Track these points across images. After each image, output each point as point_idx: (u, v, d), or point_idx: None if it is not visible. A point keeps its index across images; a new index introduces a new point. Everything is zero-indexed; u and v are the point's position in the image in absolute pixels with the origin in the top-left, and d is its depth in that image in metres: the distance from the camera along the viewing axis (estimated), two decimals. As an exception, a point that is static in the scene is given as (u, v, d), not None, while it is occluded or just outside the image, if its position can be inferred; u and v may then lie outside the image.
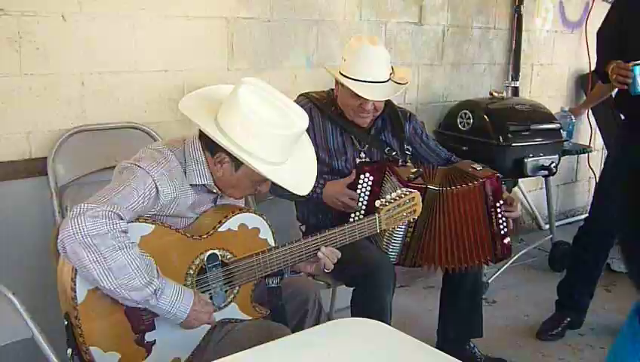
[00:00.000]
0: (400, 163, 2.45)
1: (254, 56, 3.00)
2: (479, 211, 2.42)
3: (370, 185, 2.41)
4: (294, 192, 1.82)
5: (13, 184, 2.42)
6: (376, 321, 1.59)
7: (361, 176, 2.43)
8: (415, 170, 2.37)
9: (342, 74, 2.44)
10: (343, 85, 2.44)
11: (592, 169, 4.89)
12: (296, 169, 1.84)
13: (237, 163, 1.79)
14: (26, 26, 2.36)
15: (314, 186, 2.43)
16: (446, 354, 1.44)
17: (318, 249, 1.97)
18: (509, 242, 2.50)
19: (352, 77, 2.40)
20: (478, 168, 2.48)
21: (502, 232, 2.47)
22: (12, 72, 2.36)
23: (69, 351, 1.67)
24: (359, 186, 2.43)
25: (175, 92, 2.75)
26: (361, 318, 1.61)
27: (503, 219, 2.45)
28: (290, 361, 1.43)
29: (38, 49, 2.40)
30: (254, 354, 1.44)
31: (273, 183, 1.81)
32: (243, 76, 2.88)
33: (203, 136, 1.83)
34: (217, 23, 2.85)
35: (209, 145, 1.82)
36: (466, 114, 3.70)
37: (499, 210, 2.44)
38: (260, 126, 1.70)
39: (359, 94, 2.38)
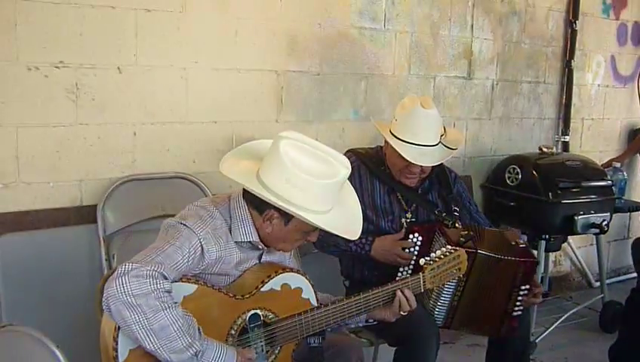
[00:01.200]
0: (449, 224, 2.41)
1: (303, 109, 3.04)
2: (504, 286, 2.36)
3: (419, 246, 2.38)
4: (345, 237, 1.81)
5: (63, 231, 2.48)
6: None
7: (410, 236, 2.40)
8: (465, 232, 2.33)
9: (392, 133, 2.44)
10: (390, 145, 2.44)
11: (645, 227, 4.76)
12: (343, 215, 1.84)
13: (287, 217, 1.79)
14: (84, 77, 2.45)
15: (362, 243, 2.45)
16: None
17: (362, 309, 1.95)
18: (516, 326, 2.43)
19: (401, 137, 2.39)
20: (521, 244, 2.42)
21: (513, 314, 2.40)
22: (68, 121, 2.45)
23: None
24: (408, 246, 2.40)
25: (224, 143, 2.79)
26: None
27: (521, 303, 2.39)
28: None
29: (94, 100, 2.48)
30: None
31: (322, 233, 1.80)
32: (291, 128, 2.95)
33: (247, 194, 1.83)
34: (267, 75, 2.91)
35: (254, 203, 1.82)
36: (514, 169, 3.65)
37: (521, 293, 2.37)
38: (304, 178, 1.71)
39: (405, 157, 2.37)
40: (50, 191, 2.46)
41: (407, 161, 2.39)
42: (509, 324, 2.42)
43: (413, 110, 2.40)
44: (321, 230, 1.81)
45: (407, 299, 1.99)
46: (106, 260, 2.46)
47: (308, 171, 1.71)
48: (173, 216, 1.83)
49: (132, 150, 2.59)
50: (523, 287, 2.36)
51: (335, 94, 3.14)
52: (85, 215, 2.51)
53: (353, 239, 1.85)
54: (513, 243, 2.42)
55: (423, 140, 2.39)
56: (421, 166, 2.43)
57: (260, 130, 2.88)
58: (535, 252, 3.65)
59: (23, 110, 2.36)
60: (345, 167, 1.78)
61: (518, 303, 2.38)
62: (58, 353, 1.62)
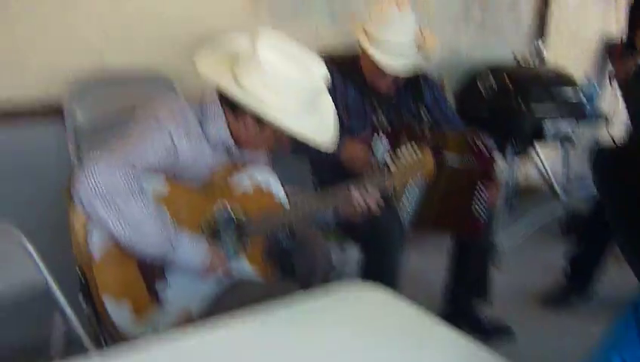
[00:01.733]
0: (418, 130, 2.43)
1: (276, 7, 2.96)
2: (465, 186, 2.41)
3: (387, 150, 2.40)
4: (318, 147, 1.82)
5: (30, 126, 2.44)
6: (384, 287, 1.59)
7: (379, 140, 2.41)
8: (431, 137, 2.35)
9: (366, 34, 2.39)
10: (364, 49, 2.41)
11: (612, 137, 4.82)
12: (318, 124, 1.84)
13: (260, 120, 1.78)
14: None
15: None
16: (450, 327, 1.44)
17: (328, 205, 1.97)
18: (475, 226, 2.48)
19: (375, 39, 2.36)
20: (479, 145, 2.43)
21: (473, 212, 2.45)
22: (34, 15, 2.35)
23: (82, 297, 1.71)
24: (376, 150, 2.42)
25: (196, 40, 2.71)
26: (367, 284, 1.62)
27: (480, 200, 2.44)
28: (293, 324, 1.45)
29: (59, -9, 2.39)
30: (259, 313, 1.45)
31: (293, 139, 1.80)
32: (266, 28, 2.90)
33: (222, 94, 1.81)
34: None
35: (229, 104, 1.80)
36: (488, 76, 3.64)
37: (479, 190, 2.42)
38: (282, 82, 1.70)
39: (381, 66, 2.35)
40: (15, 85, 2.39)
41: (381, 68, 2.37)
42: (468, 223, 2.47)
43: (388, 12, 2.36)
44: (294, 137, 1.81)
45: (367, 197, 1.97)
46: (74, 156, 2.44)
47: (284, 75, 1.70)
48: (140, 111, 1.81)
49: (101, 45, 2.52)
50: (481, 186, 2.41)
51: (310, -7, 3.06)
52: (53, 111, 2.46)
53: (325, 150, 1.85)
54: (472, 143, 2.45)
55: (396, 45, 2.37)
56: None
57: (232, 29, 2.80)
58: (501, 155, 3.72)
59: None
60: (321, 74, 1.77)
61: (477, 202, 2.44)
62: (27, 244, 1.63)
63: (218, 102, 1.84)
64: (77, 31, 2.46)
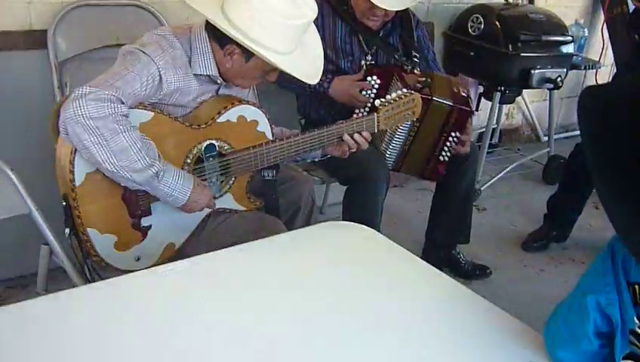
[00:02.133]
0: (408, 70, 2.41)
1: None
2: (434, 129, 2.41)
3: (376, 89, 2.38)
4: (305, 81, 1.81)
5: (11, 55, 2.38)
6: (366, 227, 1.61)
7: (369, 79, 2.40)
8: (423, 79, 2.34)
9: None
10: None
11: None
12: (305, 57, 1.83)
13: (248, 54, 1.77)
14: None
15: (322, 81, 2.43)
16: (430, 265, 1.47)
17: (315, 145, 1.96)
18: (439, 170, 2.50)
19: None
20: (462, 93, 2.43)
21: (439, 158, 2.46)
22: (13, -64, 2.28)
23: (67, 231, 1.70)
24: (366, 88, 2.40)
25: (181, -28, 2.66)
26: (350, 223, 1.63)
27: (449, 148, 2.45)
28: (276, 260, 1.46)
29: None
30: (244, 249, 1.47)
31: (281, 72, 1.79)
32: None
33: (210, 27, 1.78)
34: None
35: (217, 36, 1.78)
36: (477, 18, 3.60)
37: (450, 138, 2.42)
38: (270, 17, 1.68)
39: (376, 3, 2.31)
40: (-3, 15, 2.34)
41: (372, 3, 2.34)
42: (433, 167, 2.49)
43: None
44: (281, 71, 1.79)
45: (357, 142, 2.00)
46: (58, 87, 2.40)
47: (274, 10, 1.67)
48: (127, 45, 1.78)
49: (84, -27, 2.46)
50: (453, 134, 2.42)
51: None
52: (35, 40, 2.39)
53: (311, 83, 1.85)
54: (455, 90, 2.44)
55: None
56: (385, 9, 2.38)
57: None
58: (489, 103, 3.72)
59: None
60: (311, 10, 1.75)
61: (446, 148, 2.45)
62: (12, 175, 1.62)
63: (206, 35, 1.81)
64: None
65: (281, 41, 1.72)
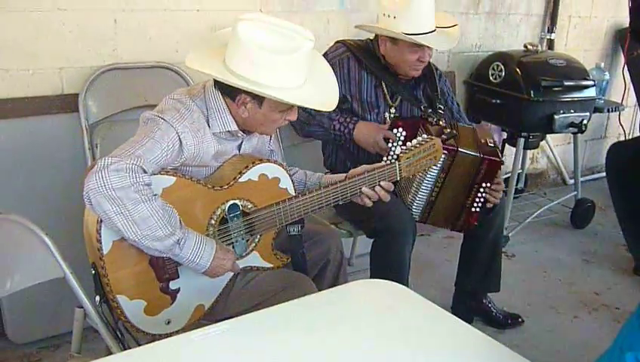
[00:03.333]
0: (433, 122, 2.43)
1: (287, -1, 2.97)
2: (464, 181, 2.39)
3: (402, 140, 2.39)
4: (322, 109, 1.81)
5: (45, 119, 2.46)
6: (399, 284, 1.60)
7: (395, 131, 2.41)
8: (448, 130, 2.35)
9: (392, 30, 2.39)
10: (396, 41, 2.41)
11: (622, 126, 4.81)
12: (317, 87, 1.82)
13: (259, 99, 1.78)
14: (60, -40, 2.35)
15: (347, 122, 2.46)
16: (465, 323, 1.45)
17: (338, 197, 1.95)
18: (471, 221, 2.48)
19: (408, 32, 2.35)
20: (490, 144, 2.43)
21: (471, 209, 2.45)
22: (46, 6, 2.37)
23: (97, 298, 1.72)
24: (392, 139, 2.42)
25: (207, 32, 2.74)
26: (382, 280, 1.62)
27: (481, 199, 2.44)
28: (310, 322, 1.45)
29: (72, -16, 2.40)
30: (277, 312, 1.47)
31: (303, 111, 1.79)
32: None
33: (218, 82, 1.81)
34: (251, -37, 2.81)
35: (225, 90, 1.80)
36: (498, 66, 3.64)
37: (481, 189, 2.41)
38: (267, 56, 1.68)
39: (433, 46, 2.37)
40: (30, 79, 2.41)
41: (419, 51, 2.39)
42: (465, 219, 2.47)
43: (414, 1, 2.36)
44: (299, 107, 1.81)
45: (377, 193, 1.99)
46: (89, 149, 2.46)
47: (270, 49, 1.68)
48: (155, 106, 1.82)
49: (113, 38, 2.54)
50: (484, 184, 2.41)
51: (321, -16, 3.06)
52: (67, 104, 2.48)
53: (329, 110, 1.84)
54: (482, 140, 2.45)
55: (429, 28, 2.38)
56: (429, 53, 2.44)
57: (243, 20, 2.82)
58: (513, 149, 3.72)
59: (-2, -6, 2.28)
60: (308, 39, 1.73)
61: (478, 199, 2.43)
62: (47, 240, 1.65)
63: (217, 91, 1.84)
64: (91, 25, 2.47)
65: (287, 77, 1.72)
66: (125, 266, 1.71)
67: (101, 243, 1.67)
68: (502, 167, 2.44)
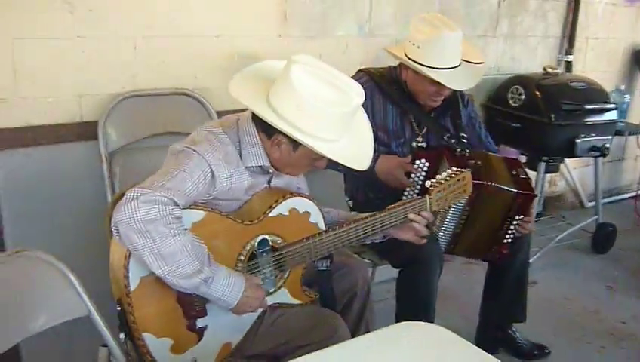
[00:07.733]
0: (458, 152, 2.37)
1: (306, 24, 2.93)
2: (500, 215, 2.36)
3: (425, 172, 2.34)
4: (354, 168, 1.77)
5: (64, 147, 2.41)
6: (441, 327, 1.52)
7: (417, 162, 2.35)
8: (473, 161, 2.29)
9: (415, 60, 2.35)
10: (418, 72, 2.36)
11: (640, 147, 4.76)
12: (353, 143, 1.79)
13: (295, 143, 1.74)
14: (80, -13, 2.32)
15: None
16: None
17: (369, 232, 1.93)
18: (503, 252, 2.44)
19: (430, 65, 2.31)
20: (522, 176, 2.39)
21: (504, 241, 2.41)
22: (65, 34, 2.33)
23: (122, 335, 1.67)
24: (414, 172, 2.36)
25: (226, 58, 2.70)
26: (424, 323, 1.55)
27: (514, 231, 2.40)
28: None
29: (91, 11, 2.36)
30: (315, 359, 1.39)
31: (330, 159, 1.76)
32: (294, 44, 2.87)
33: (257, 118, 1.77)
34: (271, -11, 2.78)
35: (263, 126, 1.77)
36: (517, 89, 3.59)
37: (514, 223, 2.37)
38: (316, 106, 1.65)
39: (448, 86, 2.32)
40: (48, 107, 2.37)
41: (443, 86, 2.33)
42: (497, 251, 2.43)
43: (441, 36, 2.30)
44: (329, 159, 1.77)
45: (425, 218, 2.00)
46: (108, 178, 2.41)
47: (320, 98, 1.65)
48: (175, 133, 1.77)
49: (132, 65, 2.50)
50: (517, 217, 2.36)
51: (339, 9, 3.02)
52: (86, 131, 2.43)
53: (360, 169, 1.79)
54: (514, 172, 2.40)
55: (453, 63, 2.33)
56: (449, 90, 2.39)
57: (262, 46, 2.79)
58: (534, 173, 3.66)
59: (18, 22, 2.23)
60: (358, 95, 1.71)
61: (510, 232, 2.39)
62: (73, 278, 1.60)
63: (253, 127, 1.80)
64: (110, 52, 2.44)
65: (328, 129, 1.69)
66: (152, 303, 1.66)
67: (128, 279, 1.62)
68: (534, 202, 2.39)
